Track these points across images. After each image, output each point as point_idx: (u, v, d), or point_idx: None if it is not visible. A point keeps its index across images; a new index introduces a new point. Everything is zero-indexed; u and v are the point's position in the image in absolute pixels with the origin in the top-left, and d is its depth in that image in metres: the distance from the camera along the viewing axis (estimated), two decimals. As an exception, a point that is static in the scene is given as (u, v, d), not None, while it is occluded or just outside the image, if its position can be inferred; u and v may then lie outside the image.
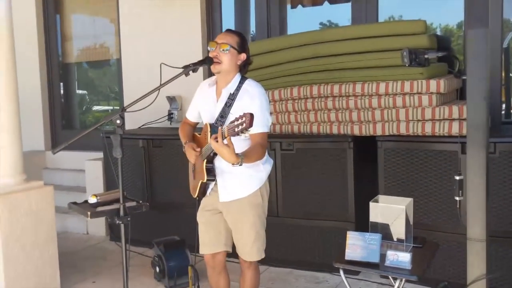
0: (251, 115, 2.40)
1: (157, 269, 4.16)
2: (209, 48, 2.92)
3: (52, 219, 3.92)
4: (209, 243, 3.06)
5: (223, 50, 2.85)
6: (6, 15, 3.71)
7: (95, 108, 7.42)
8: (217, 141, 2.50)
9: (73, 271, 4.53)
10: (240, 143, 2.76)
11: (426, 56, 2.63)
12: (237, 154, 2.53)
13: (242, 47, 2.91)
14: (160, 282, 4.20)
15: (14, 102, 3.78)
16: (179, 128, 3.22)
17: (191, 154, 2.99)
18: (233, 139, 2.63)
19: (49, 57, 7.01)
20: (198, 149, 2.96)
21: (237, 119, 2.44)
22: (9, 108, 3.74)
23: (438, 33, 5.05)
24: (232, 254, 3.13)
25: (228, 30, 2.98)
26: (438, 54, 2.83)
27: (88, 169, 5.75)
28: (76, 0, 7.07)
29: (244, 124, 2.39)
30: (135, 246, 4.94)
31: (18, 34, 5.22)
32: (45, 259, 3.85)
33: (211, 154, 2.87)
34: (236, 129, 2.43)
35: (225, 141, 2.52)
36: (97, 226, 5.63)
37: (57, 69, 7.12)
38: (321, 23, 5.55)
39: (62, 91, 7.29)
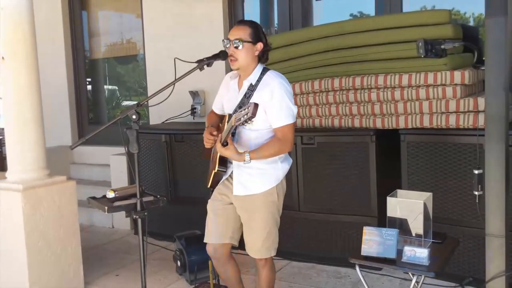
0: (255, 105, 2.40)
1: (179, 263, 4.18)
2: (224, 44, 2.88)
3: (74, 213, 3.96)
4: (215, 233, 2.99)
5: (236, 47, 2.80)
6: (28, 14, 3.75)
7: (124, 103, 7.50)
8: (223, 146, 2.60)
9: (98, 265, 4.59)
10: (264, 135, 2.80)
11: (443, 46, 2.54)
12: (241, 153, 2.63)
13: (256, 37, 2.83)
14: (181, 276, 4.21)
15: (37, 98, 3.82)
16: (207, 116, 3.25)
17: (206, 139, 2.97)
18: (257, 132, 2.77)
19: (75, 53, 7.10)
20: (215, 133, 2.92)
21: (244, 109, 2.43)
22: (31, 104, 3.77)
23: (471, 23, 4.90)
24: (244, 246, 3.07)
25: (240, 22, 2.92)
26: (455, 44, 2.72)
27: (113, 164, 5.81)
28: (102, -4, 7.17)
29: (249, 114, 2.38)
30: (159, 240, 5.00)
31: (44, 31, 5.34)
32: (68, 253, 3.90)
33: (224, 144, 2.85)
34: (241, 119, 2.43)
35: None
36: (122, 220, 5.67)
37: (84, 65, 7.21)
38: (346, 14, 5.46)
39: (89, 87, 7.39)
